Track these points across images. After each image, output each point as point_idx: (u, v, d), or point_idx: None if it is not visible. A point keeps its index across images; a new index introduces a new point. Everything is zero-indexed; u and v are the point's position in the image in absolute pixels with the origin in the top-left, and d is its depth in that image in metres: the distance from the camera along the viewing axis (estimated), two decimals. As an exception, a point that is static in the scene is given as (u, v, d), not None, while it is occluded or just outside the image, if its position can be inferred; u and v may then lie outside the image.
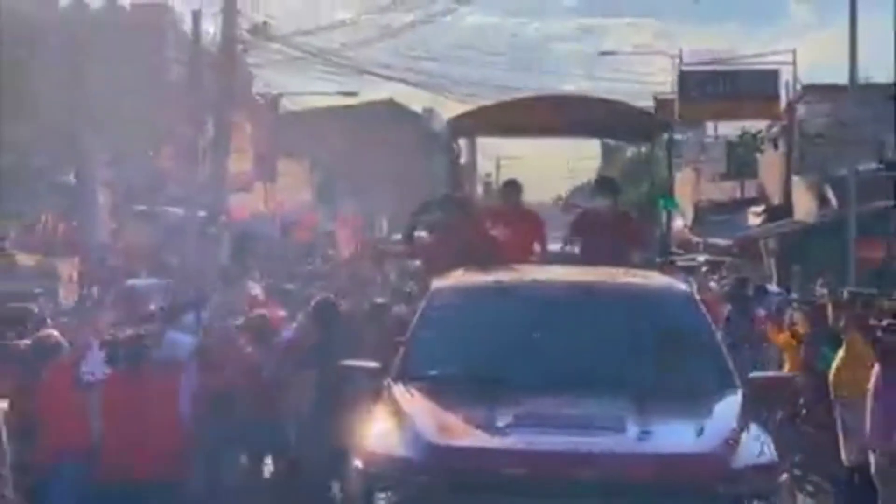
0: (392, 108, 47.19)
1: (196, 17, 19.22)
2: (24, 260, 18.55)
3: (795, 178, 24.88)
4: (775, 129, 29.27)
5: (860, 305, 9.53)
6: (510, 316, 6.44)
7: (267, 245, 21.38)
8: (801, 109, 27.16)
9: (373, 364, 6.41)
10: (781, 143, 27.78)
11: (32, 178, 19.09)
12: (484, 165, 58.69)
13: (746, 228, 27.62)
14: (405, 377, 6.08)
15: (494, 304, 6.61)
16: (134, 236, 19.55)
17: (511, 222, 8.51)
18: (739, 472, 5.15)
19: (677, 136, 31.46)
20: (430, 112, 46.85)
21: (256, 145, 24.21)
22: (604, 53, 43.19)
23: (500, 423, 5.33)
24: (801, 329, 9.90)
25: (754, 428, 5.56)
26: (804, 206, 23.61)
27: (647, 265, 8.06)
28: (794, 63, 27.53)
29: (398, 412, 5.66)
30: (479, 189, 49.66)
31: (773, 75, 27.17)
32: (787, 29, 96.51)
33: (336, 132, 37.73)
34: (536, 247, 8.64)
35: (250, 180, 22.90)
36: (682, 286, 7.10)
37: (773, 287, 16.78)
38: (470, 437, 5.32)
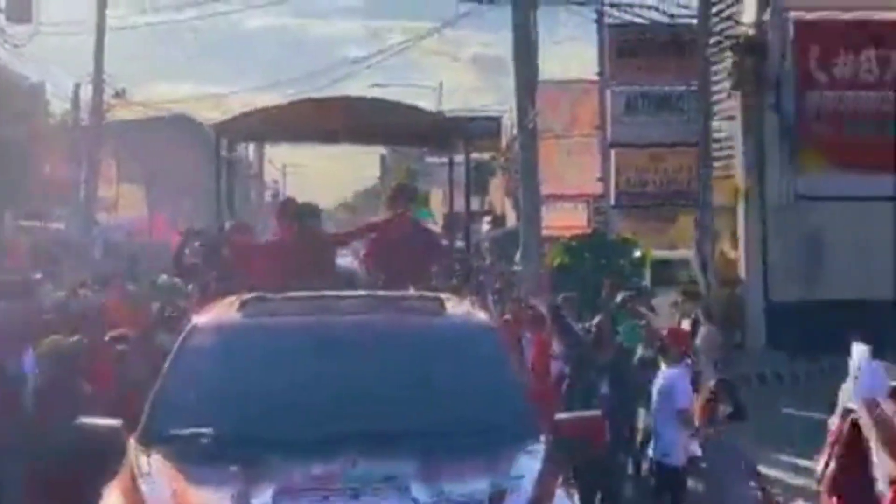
0: (183, 121, 51.43)
1: (76, 87, 27.15)
2: None
3: (506, 199, 34.64)
4: (502, 160, 39.10)
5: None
6: (279, 359, 5.48)
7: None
8: (516, 146, 37.00)
9: (112, 422, 5.29)
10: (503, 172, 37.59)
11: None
12: (271, 172, 65.80)
13: (480, 233, 37.44)
14: (148, 438, 5.01)
15: (260, 345, 5.65)
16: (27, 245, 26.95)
17: (291, 247, 7.94)
18: None
19: (433, 160, 40.94)
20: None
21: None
22: (374, 85, 50.17)
23: (256, 500, 4.43)
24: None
25: (561, 483, 4.88)
26: (512, 217, 33.34)
27: (449, 287, 7.60)
28: (510, 111, 37.23)
29: (134, 487, 4.67)
30: (267, 196, 56.57)
31: (496, 121, 36.86)
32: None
33: (133, 145, 40.75)
34: (326, 266, 8.11)
35: (114, 202, 30.65)
36: (482, 317, 6.32)
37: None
38: None
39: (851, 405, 6.79)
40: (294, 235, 8.25)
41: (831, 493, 6.80)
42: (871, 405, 6.39)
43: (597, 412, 6.52)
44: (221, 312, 6.02)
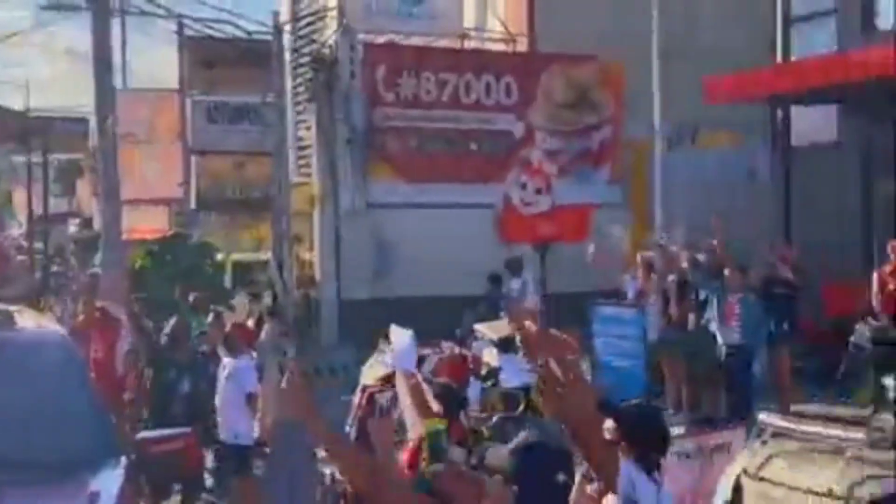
0: None
1: None
2: None
3: (94, 200, 34.15)
4: (89, 160, 38.44)
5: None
6: None
7: None
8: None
9: None
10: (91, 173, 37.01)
11: None
12: None
13: (66, 235, 36.51)
14: None
15: None
16: None
17: None
18: None
19: (20, 158, 39.50)
20: None
21: None
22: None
23: None
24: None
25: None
26: (100, 219, 32.94)
27: (29, 292, 7.57)
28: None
29: None
30: None
31: (84, 121, 36.13)
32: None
33: None
34: None
35: None
36: (56, 330, 6.01)
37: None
38: None
39: (367, 381, 8.07)
40: None
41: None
42: (409, 375, 7.14)
43: (187, 429, 6.41)
44: None
